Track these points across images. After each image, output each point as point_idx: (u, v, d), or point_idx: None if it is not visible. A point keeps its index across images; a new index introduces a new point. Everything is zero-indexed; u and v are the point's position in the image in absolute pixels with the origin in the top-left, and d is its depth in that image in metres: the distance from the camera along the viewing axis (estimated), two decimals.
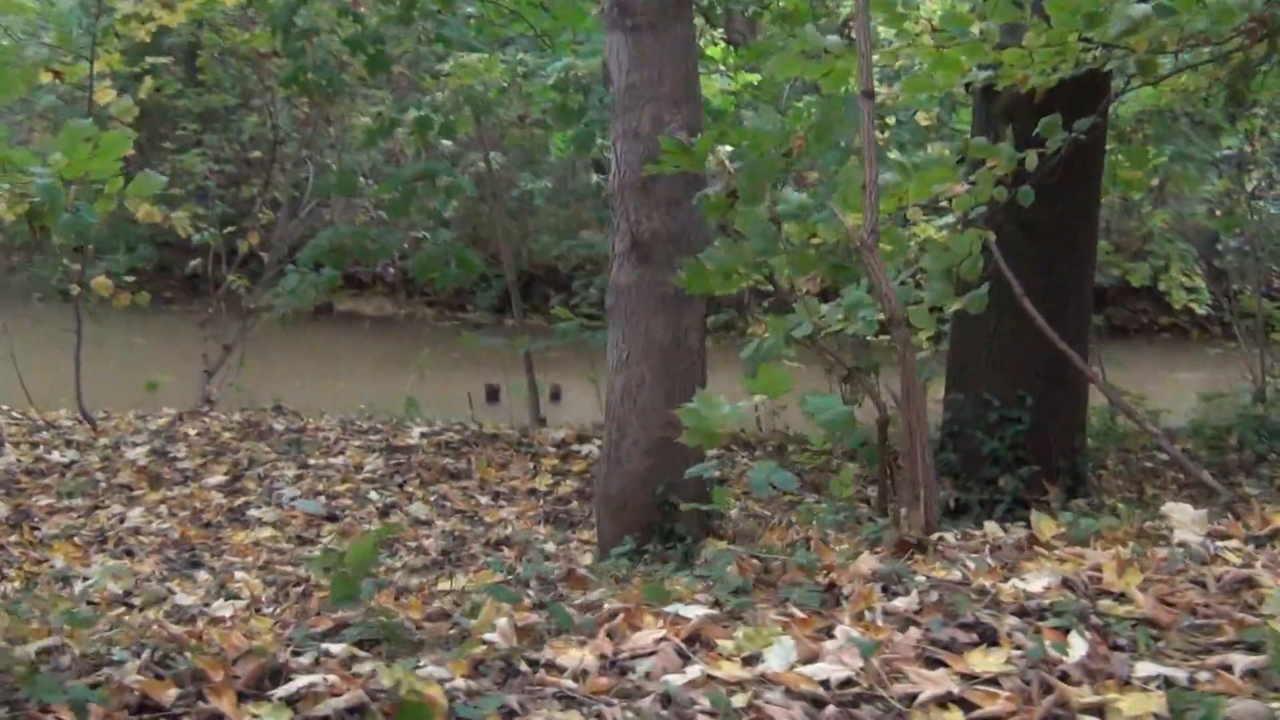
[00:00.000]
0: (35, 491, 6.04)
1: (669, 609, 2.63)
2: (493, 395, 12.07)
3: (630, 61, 4.64)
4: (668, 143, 3.65)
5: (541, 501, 6.22)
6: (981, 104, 4.89)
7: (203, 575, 4.84)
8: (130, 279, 7.10)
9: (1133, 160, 6.32)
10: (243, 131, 10.72)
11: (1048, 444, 4.78)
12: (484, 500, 6.24)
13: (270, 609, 4.21)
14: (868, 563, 2.83)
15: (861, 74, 3.31)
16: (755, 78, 9.21)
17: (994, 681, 2.20)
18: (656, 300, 4.62)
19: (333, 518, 5.82)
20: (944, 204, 4.60)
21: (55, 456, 6.63)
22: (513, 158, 13.77)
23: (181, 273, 13.72)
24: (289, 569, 4.92)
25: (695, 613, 2.58)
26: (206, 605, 4.25)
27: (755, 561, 3.02)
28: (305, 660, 2.43)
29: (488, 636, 2.54)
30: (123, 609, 4.19)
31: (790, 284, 3.92)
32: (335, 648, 2.50)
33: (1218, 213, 10.63)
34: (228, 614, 4.12)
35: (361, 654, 2.49)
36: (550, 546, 5.25)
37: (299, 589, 4.52)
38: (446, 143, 9.98)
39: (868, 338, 5.48)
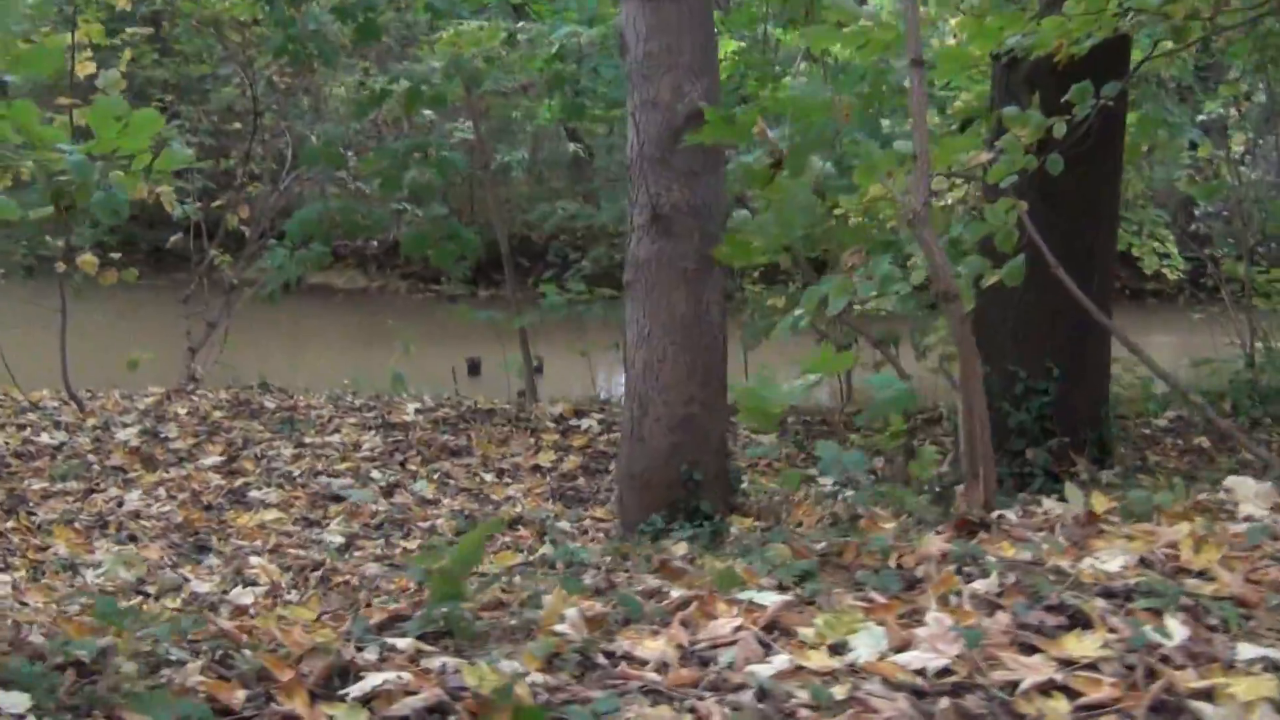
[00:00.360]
0: (27, 475, 5.88)
1: (742, 595, 2.56)
2: (474, 369, 11.94)
3: (648, 29, 4.52)
4: (711, 113, 3.55)
5: (547, 478, 6.13)
6: (1003, 72, 4.81)
7: (212, 560, 4.72)
8: (116, 255, 6.89)
9: (1142, 128, 6.29)
10: (215, 102, 10.48)
11: (1074, 415, 4.75)
12: (488, 477, 6.14)
13: (292, 595, 4.11)
14: (935, 544, 2.77)
15: (909, 41, 3.22)
16: (740, 45, 9.09)
17: (1093, 667, 2.15)
18: (677, 274, 4.53)
19: (337, 498, 5.71)
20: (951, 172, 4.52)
21: (44, 439, 6.46)
22: (488, 128, 13.59)
23: (148, 246, 13.46)
24: (300, 552, 4.82)
25: (770, 599, 2.51)
26: (225, 593, 4.14)
27: (812, 544, 2.96)
28: (371, 656, 2.34)
29: (558, 628, 2.46)
30: (138, 598, 4.07)
31: (822, 257, 3.84)
32: (400, 642, 2.41)
33: (1197, 179, 10.64)
34: (249, 601, 4.02)
35: (427, 648, 2.41)
36: (565, 525, 5.17)
37: (316, 573, 4.42)
38: (427, 113, 9.80)
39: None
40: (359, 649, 2.37)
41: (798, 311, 4.29)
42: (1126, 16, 3.74)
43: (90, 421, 6.83)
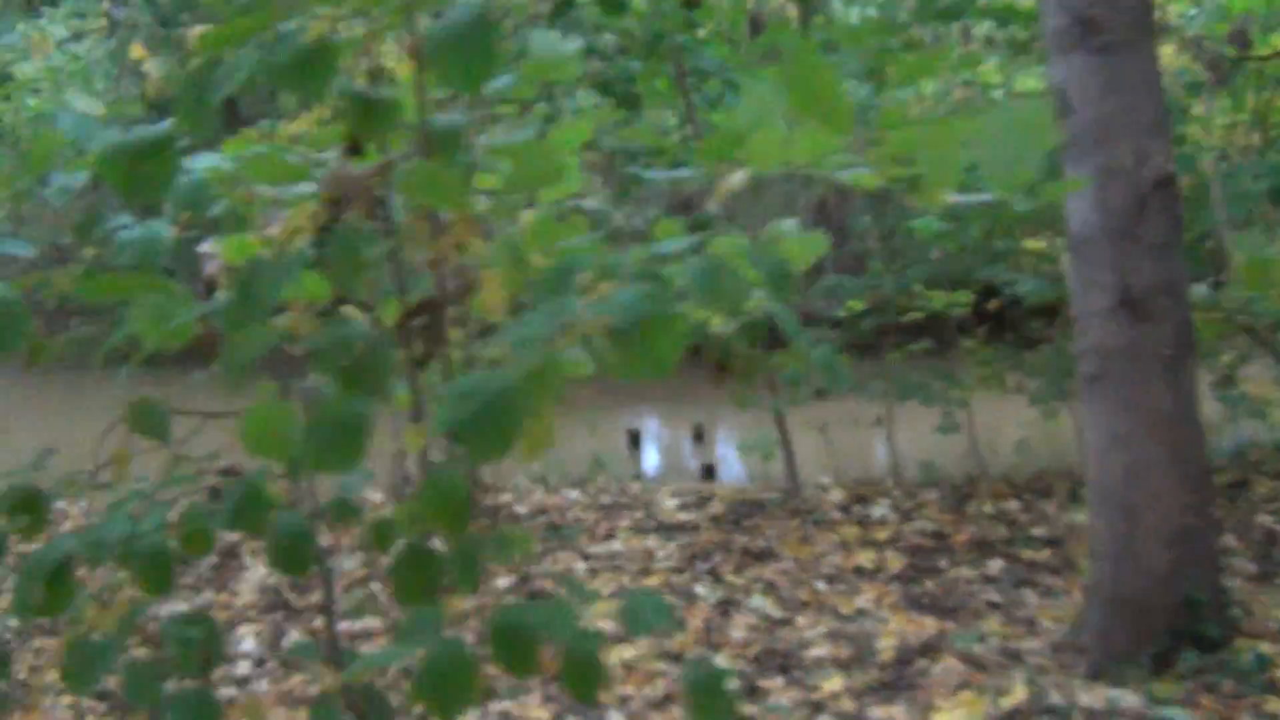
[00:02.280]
0: (312, 612, 5.28)
1: None
2: (634, 441, 11.34)
3: (1102, 87, 3.97)
4: None
5: (889, 585, 5.51)
6: None
7: (615, 717, 4.11)
8: None
9: None
10: None
11: None
12: (820, 586, 5.52)
13: None
14: None
15: None
16: None
17: None
18: (1156, 363, 3.95)
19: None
20: None
21: None
22: None
23: None
24: None
25: None
26: None
27: None
28: None
29: None
30: None
31: None
32: None
33: None
34: None
35: None
36: (976, 649, 4.54)
37: None
38: None
39: None
40: None
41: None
42: None
43: (345, 540, 6.23)
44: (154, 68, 4.94)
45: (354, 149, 1.52)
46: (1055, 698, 3.83)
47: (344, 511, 1.71)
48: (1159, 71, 4.11)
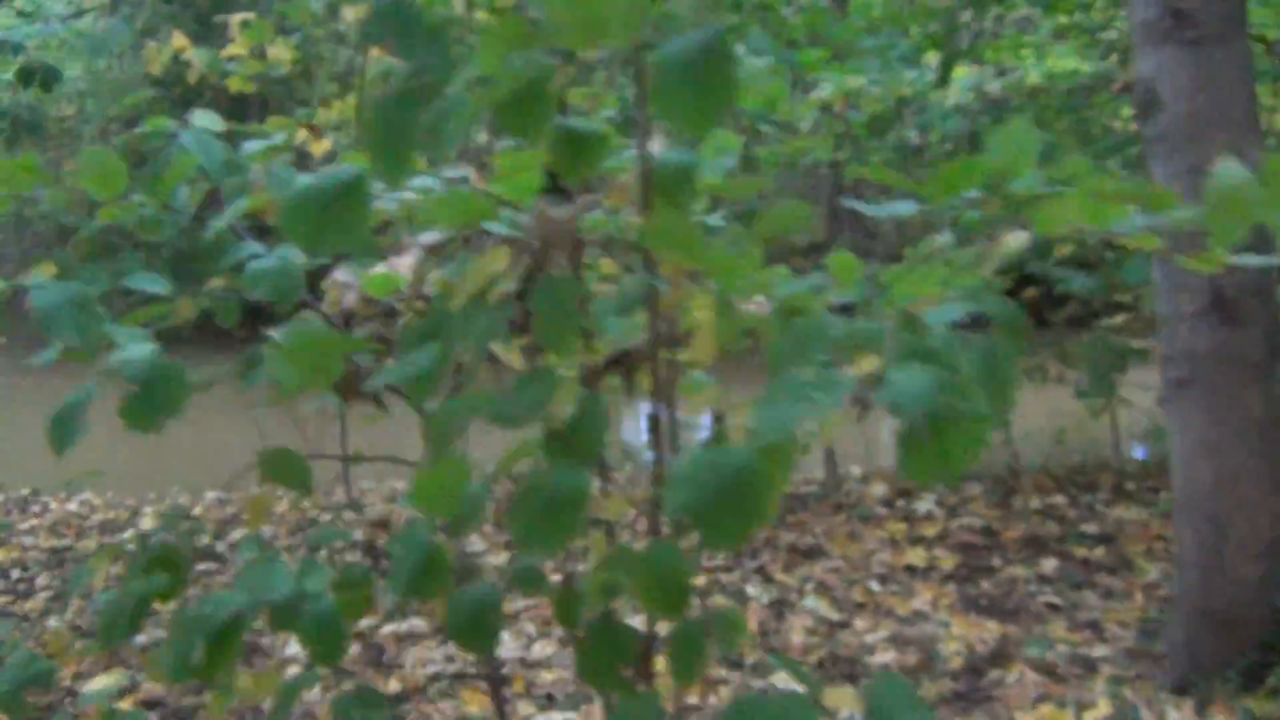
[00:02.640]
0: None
1: None
2: (654, 425, 11.19)
3: (1193, 82, 3.83)
4: None
5: (939, 583, 5.40)
6: None
7: None
8: None
9: None
10: None
11: None
12: (874, 586, 5.41)
13: None
14: None
15: None
16: None
17: None
18: (1247, 368, 3.83)
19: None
20: None
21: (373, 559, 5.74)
22: None
23: None
24: None
25: None
26: None
27: None
28: None
29: None
30: None
31: None
32: None
33: None
34: None
35: None
36: (1042, 656, 4.44)
37: None
38: None
39: None
40: None
41: None
42: None
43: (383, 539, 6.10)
44: (195, 57, 4.76)
45: (556, 188, 1.38)
46: (1144, 714, 3.73)
47: (529, 580, 1.58)
48: (1252, 66, 3.97)
